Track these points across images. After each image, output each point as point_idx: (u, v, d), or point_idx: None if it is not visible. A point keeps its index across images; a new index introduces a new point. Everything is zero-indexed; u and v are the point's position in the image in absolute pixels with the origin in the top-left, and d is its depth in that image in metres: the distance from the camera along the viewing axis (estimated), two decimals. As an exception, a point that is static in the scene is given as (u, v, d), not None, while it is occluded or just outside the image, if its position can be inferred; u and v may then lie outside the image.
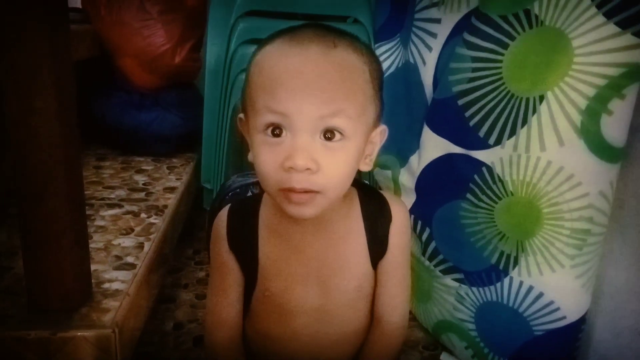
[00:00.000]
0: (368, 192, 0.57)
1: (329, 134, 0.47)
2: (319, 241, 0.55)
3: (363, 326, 0.59)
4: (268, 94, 0.46)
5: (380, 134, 0.54)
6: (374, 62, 0.51)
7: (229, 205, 0.59)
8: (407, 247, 0.59)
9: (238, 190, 0.74)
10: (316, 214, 0.49)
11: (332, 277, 0.56)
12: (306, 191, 0.47)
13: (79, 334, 0.56)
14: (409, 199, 0.91)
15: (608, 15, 0.62)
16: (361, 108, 0.49)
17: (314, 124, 0.46)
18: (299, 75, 0.46)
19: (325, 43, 0.47)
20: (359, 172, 0.53)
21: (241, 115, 0.53)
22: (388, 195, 0.59)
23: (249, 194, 0.73)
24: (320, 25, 0.50)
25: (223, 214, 0.58)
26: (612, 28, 0.62)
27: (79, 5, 1.24)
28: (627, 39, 0.61)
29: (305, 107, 0.45)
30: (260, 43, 0.51)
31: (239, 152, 1.45)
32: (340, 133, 0.47)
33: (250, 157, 0.53)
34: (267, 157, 0.48)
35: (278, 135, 0.47)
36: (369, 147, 0.52)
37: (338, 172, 0.48)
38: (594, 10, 0.62)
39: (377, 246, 0.57)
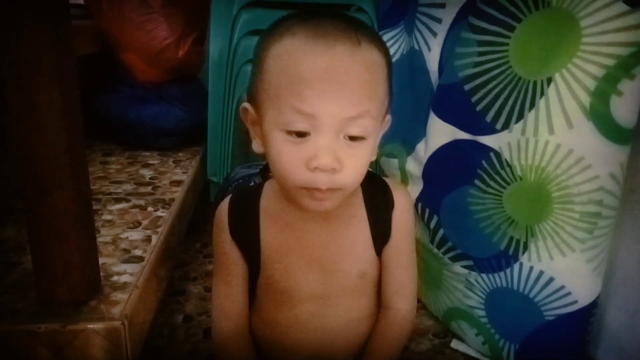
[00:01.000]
0: (369, 179, 0.57)
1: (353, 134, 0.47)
2: (321, 228, 0.55)
3: (369, 313, 0.59)
4: (295, 94, 0.45)
5: (385, 123, 0.54)
6: (388, 54, 0.51)
7: (230, 195, 0.59)
8: (411, 232, 0.59)
9: (241, 180, 0.74)
10: (333, 207, 0.50)
11: (335, 263, 0.56)
12: (329, 189, 0.48)
13: (89, 326, 0.56)
14: (416, 187, 0.90)
15: (616, -6, 0.60)
16: (381, 106, 0.49)
17: (341, 125, 0.46)
18: (328, 76, 0.45)
19: (350, 40, 0.46)
20: None
21: (246, 105, 0.52)
22: (390, 182, 0.59)
23: (252, 184, 0.73)
24: (336, 15, 0.48)
25: (224, 204, 0.58)
26: (621, 6, 0.61)
27: (81, 1, 1.24)
28: (637, 17, 0.60)
29: (334, 109, 0.45)
30: (274, 29, 0.48)
31: (244, 145, 1.44)
32: (363, 134, 0.48)
33: (255, 147, 0.53)
34: (290, 156, 0.47)
35: (302, 136, 0.47)
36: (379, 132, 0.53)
37: (359, 169, 0.49)
38: (602, -12, 0.61)
39: (380, 232, 0.56)
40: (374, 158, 0.53)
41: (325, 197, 0.48)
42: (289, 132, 0.47)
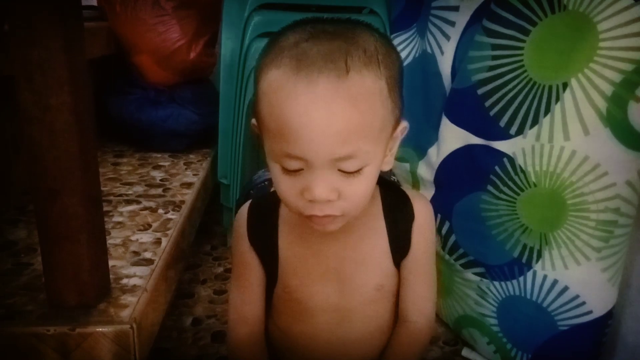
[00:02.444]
0: (390, 189, 0.56)
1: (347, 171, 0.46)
2: (338, 239, 0.54)
3: (386, 325, 0.58)
4: (282, 139, 0.44)
5: (402, 130, 0.51)
6: (390, 68, 0.47)
7: (250, 202, 0.58)
8: (431, 245, 0.57)
9: (263, 184, 0.73)
10: (338, 228, 0.49)
11: (352, 275, 0.55)
12: (328, 216, 0.47)
13: (98, 329, 0.56)
14: (428, 191, 0.89)
15: (635, -3, 0.59)
16: (380, 129, 0.46)
17: (332, 163, 0.45)
18: (311, 119, 0.43)
19: (336, 71, 0.42)
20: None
21: (254, 121, 0.51)
22: (410, 192, 0.57)
23: (273, 189, 0.72)
24: (328, 35, 0.45)
25: (243, 210, 0.57)
26: (639, 10, 0.59)
27: (94, 2, 1.24)
28: (656, 21, 0.59)
29: (322, 152, 0.44)
30: (267, 52, 0.46)
31: (255, 147, 1.44)
32: (359, 167, 0.46)
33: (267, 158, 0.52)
34: (286, 187, 0.47)
35: (296, 171, 0.46)
36: (390, 143, 0.50)
37: (360, 196, 0.48)
38: (620, -8, 0.60)
39: (399, 244, 0.55)
40: (389, 167, 0.51)
41: (326, 222, 0.47)
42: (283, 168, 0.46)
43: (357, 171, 0.46)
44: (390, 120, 0.48)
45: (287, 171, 0.46)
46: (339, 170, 0.45)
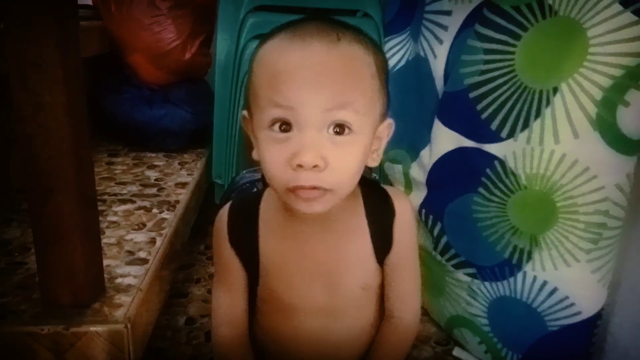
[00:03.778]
0: (371, 188, 0.56)
1: (337, 128, 0.46)
2: (321, 239, 0.54)
3: (372, 322, 0.59)
4: (272, 88, 0.45)
5: (387, 127, 0.52)
6: (380, 55, 0.50)
7: (230, 203, 0.58)
8: (413, 241, 0.58)
9: (246, 185, 0.73)
10: (325, 210, 0.48)
11: (337, 275, 0.55)
12: (315, 187, 0.46)
13: (92, 329, 0.56)
14: (420, 193, 0.90)
15: (625, 4, 0.60)
16: (369, 102, 0.48)
17: (322, 118, 0.45)
18: (302, 68, 0.45)
19: (328, 37, 0.46)
20: (367, 168, 0.52)
21: (244, 112, 0.52)
22: (391, 190, 0.58)
23: (255, 189, 0.72)
24: (323, 19, 0.49)
25: (224, 211, 0.57)
26: (628, 17, 0.61)
27: (89, 1, 1.24)
28: (645, 27, 0.60)
29: (312, 100, 0.44)
30: (262, 39, 0.50)
31: (249, 147, 1.45)
32: (348, 127, 0.46)
33: (254, 155, 0.52)
34: (273, 155, 0.47)
35: (285, 131, 0.46)
36: (376, 142, 0.51)
37: (347, 168, 0.47)
38: (609, -1, 0.61)
39: (382, 242, 0.56)
40: (376, 163, 0.52)
41: (312, 196, 0.46)
42: (271, 127, 0.46)
43: (346, 134, 0.46)
44: (378, 102, 0.49)
45: (275, 138, 0.46)
46: (328, 132, 0.46)
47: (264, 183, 0.71)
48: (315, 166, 0.45)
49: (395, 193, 0.58)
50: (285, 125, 0.46)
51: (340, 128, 0.46)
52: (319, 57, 0.45)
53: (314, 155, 0.45)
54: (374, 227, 0.55)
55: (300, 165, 0.45)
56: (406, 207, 0.57)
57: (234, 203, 0.58)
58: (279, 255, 0.55)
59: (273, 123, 0.46)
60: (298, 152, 0.45)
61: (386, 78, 0.51)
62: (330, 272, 0.55)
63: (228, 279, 0.58)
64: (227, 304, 0.58)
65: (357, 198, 0.56)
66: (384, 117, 0.51)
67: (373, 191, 0.57)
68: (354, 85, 0.46)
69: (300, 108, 0.45)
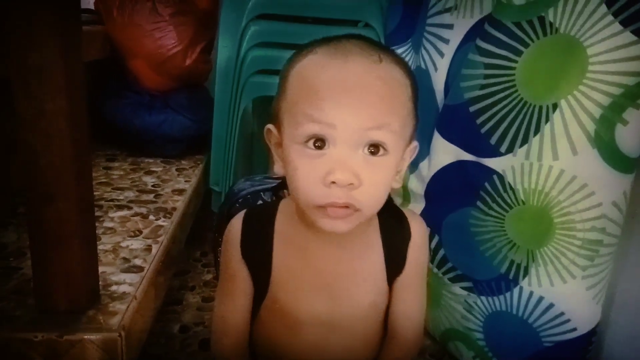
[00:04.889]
0: (387, 207, 0.55)
1: (372, 148, 0.46)
2: (335, 256, 0.54)
3: (374, 339, 0.59)
4: (311, 104, 0.45)
5: (412, 150, 0.52)
6: (414, 79, 0.50)
7: (244, 212, 0.57)
8: (425, 264, 0.58)
9: (249, 196, 0.73)
10: (348, 230, 0.48)
11: (346, 292, 0.55)
12: (346, 206, 0.46)
13: (86, 337, 0.56)
14: (418, 205, 0.90)
15: (624, 24, 0.61)
16: (403, 122, 0.48)
17: (358, 137, 0.45)
18: (344, 86, 0.45)
19: (370, 58, 0.46)
20: None
21: (269, 126, 0.52)
22: (407, 211, 0.58)
23: (259, 202, 0.72)
24: (365, 38, 0.49)
25: (237, 221, 0.56)
26: (628, 36, 0.61)
27: (91, 6, 1.24)
28: (644, 47, 0.60)
29: (350, 119, 0.45)
30: (300, 50, 0.50)
31: (247, 155, 1.45)
32: (383, 148, 0.46)
33: (276, 169, 0.52)
34: (306, 171, 0.46)
35: (320, 148, 0.46)
36: (400, 163, 0.51)
37: (378, 188, 0.48)
38: (610, 18, 0.62)
39: (395, 263, 0.55)
40: (398, 185, 0.52)
41: (341, 215, 0.46)
42: (306, 143, 0.46)
43: (380, 155, 0.46)
44: (410, 125, 0.50)
45: (308, 154, 0.46)
46: (363, 152, 0.46)
47: (275, 195, 0.71)
48: (350, 184, 0.45)
49: (412, 215, 0.58)
50: (320, 142, 0.46)
51: (375, 148, 0.46)
52: (360, 76, 0.45)
53: (348, 172, 0.45)
54: (389, 248, 0.55)
55: (334, 182, 0.45)
56: (422, 229, 0.57)
57: (249, 213, 0.57)
58: (291, 268, 0.55)
59: (308, 139, 0.46)
60: (333, 169, 0.45)
61: (417, 102, 0.51)
62: (339, 287, 0.54)
63: (234, 289, 0.57)
64: (231, 313, 0.57)
65: (373, 217, 0.55)
66: (412, 139, 0.52)
67: (389, 211, 0.56)
68: (392, 106, 0.47)
69: (340, 126, 0.45)
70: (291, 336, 0.56)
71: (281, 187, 0.70)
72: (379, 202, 0.49)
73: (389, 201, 0.54)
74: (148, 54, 1.16)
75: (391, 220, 0.56)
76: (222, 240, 0.57)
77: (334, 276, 0.54)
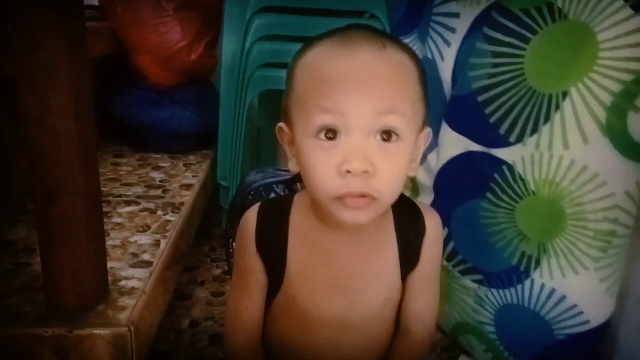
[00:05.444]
0: (401, 201, 0.54)
1: (385, 134, 0.46)
2: (349, 251, 0.53)
3: (387, 335, 0.58)
4: (321, 94, 0.45)
5: (426, 136, 0.52)
6: (420, 63, 0.50)
7: (258, 205, 0.56)
8: (438, 259, 0.57)
9: (261, 188, 0.72)
10: (368, 220, 0.48)
11: (360, 288, 0.54)
12: (363, 195, 0.46)
13: (95, 332, 0.56)
14: (427, 197, 0.89)
15: (635, 8, 0.60)
16: (414, 106, 0.48)
17: (370, 123, 0.45)
18: (351, 74, 0.45)
19: (375, 45, 0.47)
20: None
21: (281, 124, 0.52)
22: (422, 206, 0.57)
23: (272, 194, 0.71)
24: (368, 27, 0.49)
25: (251, 215, 0.55)
26: (639, 21, 0.60)
27: (95, 2, 1.24)
28: (657, 32, 0.59)
29: (361, 105, 0.45)
30: (305, 44, 0.50)
31: (254, 150, 1.44)
32: (395, 134, 0.46)
33: (291, 167, 0.52)
34: (320, 163, 0.46)
35: (332, 139, 0.46)
36: (414, 151, 0.51)
37: (394, 175, 0.47)
38: (620, 2, 0.60)
39: (409, 258, 0.55)
40: (413, 174, 0.52)
41: (359, 205, 0.46)
42: (318, 135, 0.46)
43: (393, 141, 0.46)
44: (421, 109, 0.50)
45: (321, 145, 0.46)
46: (375, 138, 0.46)
47: (287, 187, 0.70)
48: (365, 172, 0.45)
49: (426, 209, 0.57)
50: (332, 133, 0.46)
51: (387, 135, 0.46)
52: (367, 63, 0.46)
53: (363, 160, 0.45)
54: (403, 243, 0.55)
55: (349, 171, 0.44)
56: (437, 224, 0.57)
57: (263, 206, 0.56)
58: (305, 264, 0.54)
59: (320, 130, 0.46)
60: (347, 158, 0.45)
61: (426, 87, 0.51)
62: (353, 284, 0.54)
63: (248, 284, 0.56)
64: (245, 308, 0.56)
65: (388, 211, 0.54)
66: (424, 125, 0.51)
67: (404, 205, 0.55)
68: (401, 89, 0.47)
69: (350, 113, 0.45)
70: (304, 334, 0.56)
71: (294, 181, 0.70)
72: (395, 190, 0.48)
73: (402, 195, 0.53)
74: (153, 49, 1.16)
75: (406, 214, 0.55)
76: (237, 234, 0.57)
77: (350, 275, 0.54)
